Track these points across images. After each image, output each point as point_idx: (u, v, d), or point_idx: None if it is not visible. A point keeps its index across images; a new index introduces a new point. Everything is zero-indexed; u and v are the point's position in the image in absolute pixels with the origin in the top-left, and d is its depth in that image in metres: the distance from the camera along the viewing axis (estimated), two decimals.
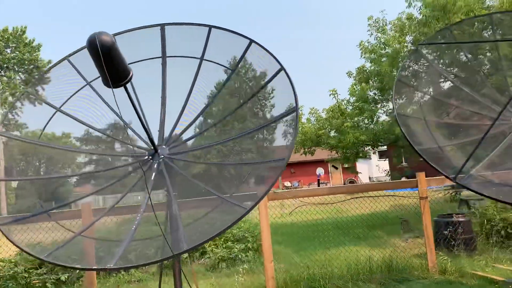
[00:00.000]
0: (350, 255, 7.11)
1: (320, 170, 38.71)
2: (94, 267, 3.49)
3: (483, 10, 9.47)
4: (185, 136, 4.69)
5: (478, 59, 7.98)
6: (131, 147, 4.48)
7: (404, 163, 32.69)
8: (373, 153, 13.14)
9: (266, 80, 4.36)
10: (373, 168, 41.70)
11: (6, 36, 38.62)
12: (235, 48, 4.73)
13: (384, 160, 36.42)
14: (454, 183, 4.74)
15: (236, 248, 7.89)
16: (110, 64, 3.13)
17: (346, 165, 38.97)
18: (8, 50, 39.84)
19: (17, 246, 3.28)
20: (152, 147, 4.07)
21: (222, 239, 8.11)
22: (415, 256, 7.01)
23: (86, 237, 3.60)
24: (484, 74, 7.03)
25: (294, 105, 3.94)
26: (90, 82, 4.65)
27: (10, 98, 37.76)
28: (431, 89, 6.16)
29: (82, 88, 4.64)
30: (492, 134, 4.99)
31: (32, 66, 40.75)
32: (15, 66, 40.28)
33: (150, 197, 3.87)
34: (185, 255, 6.84)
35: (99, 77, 4.86)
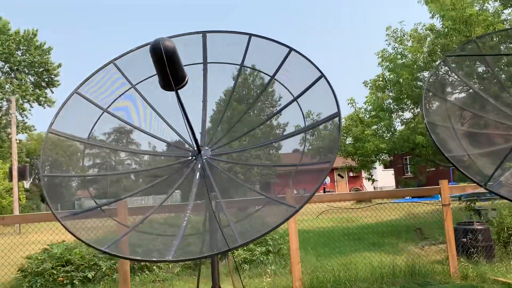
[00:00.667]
0: (373, 260, 7.27)
1: (326, 179, 38.82)
2: (154, 259, 3.66)
3: (501, 24, 9.70)
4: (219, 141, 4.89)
5: (495, 71, 8.19)
6: (177, 147, 4.69)
7: (409, 174, 32.92)
8: (390, 161, 13.28)
9: (307, 86, 4.53)
10: (379, 177, 41.85)
11: (18, 39, 39.07)
12: (274, 56, 4.93)
13: (389, 170, 36.59)
14: (485, 190, 4.91)
15: (258, 250, 8.05)
16: (173, 68, 3.34)
17: (352, 174, 39.28)
18: (19, 53, 40.33)
19: (76, 237, 3.45)
20: (196, 148, 4.28)
21: None
22: (437, 262, 7.16)
23: (139, 231, 3.78)
24: (502, 85, 7.22)
25: (336, 111, 4.14)
26: (135, 85, 4.86)
27: (20, 100, 38.17)
28: (457, 97, 6.35)
29: (127, 90, 4.84)
30: None
31: (42, 68, 41.21)
32: (25, 69, 40.74)
33: (195, 195, 4.08)
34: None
35: (143, 80, 5.12)
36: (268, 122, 5.76)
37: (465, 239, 7.33)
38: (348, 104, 12.59)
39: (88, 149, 4.80)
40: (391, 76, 11.58)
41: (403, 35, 11.88)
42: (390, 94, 11.68)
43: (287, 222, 6.31)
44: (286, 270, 7.11)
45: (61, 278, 7.23)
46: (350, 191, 41.72)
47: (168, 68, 3.31)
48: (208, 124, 4.96)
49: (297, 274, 5.93)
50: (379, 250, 9.00)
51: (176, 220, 4.64)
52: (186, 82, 3.78)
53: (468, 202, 9.95)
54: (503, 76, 7.81)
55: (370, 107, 12.06)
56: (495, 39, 9.14)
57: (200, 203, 4.19)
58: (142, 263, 7.52)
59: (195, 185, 4.09)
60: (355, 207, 12.93)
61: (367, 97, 12.07)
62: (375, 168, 38.48)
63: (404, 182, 30.53)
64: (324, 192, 38.43)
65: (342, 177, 41.63)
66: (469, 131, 5.78)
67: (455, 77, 6.10)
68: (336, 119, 4.17)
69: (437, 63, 10.52)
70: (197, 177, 4.15)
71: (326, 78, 4.39)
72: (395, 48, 11.90)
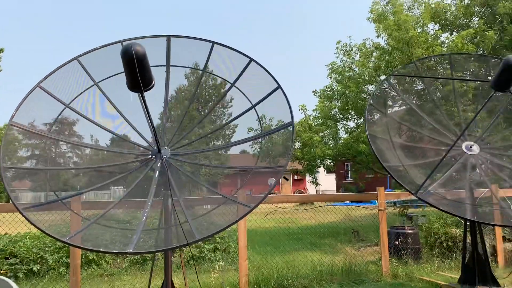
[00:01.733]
0: (314, 259, 7.78)
1: (272, 181, 39.52)
2: (115, 251, 3.83)
3: (439, 46, 10.64)
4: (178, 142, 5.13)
5: (431, 90, 8.99)
6: (136, 146, 4.87)
7: (350, 179, 34.55)
8: (324, 168, 14.08)
9: (265, 95, 4.88)
10: (321, 181, 43.33)
11: None
12: (235, 64, 5.25)
13: (331, 175, 38.07)
14: (406, 199, 5.53)
15: (206, 248, 8.32)
16: (142, 72, 3.57)
17: (296, 177, 40.40)
18: None
19: (39, 229, 3.56)
20: (157, 148, 4.51)
21: None
22: (370, 262, 7.78)
23: (100, 224, 3.94)
24: (436, 104, 7.98)
25: (290, 120, 4.55)
26: (98, 82, 4.98)
27: None
28: (396, 113, 6.99)
29: (90, 87, 4.96)
30: (447, 157, 5.83)
31: None
32: None
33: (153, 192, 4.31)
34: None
35: (106, 78, 5.25)
36: (219, 122, 6.07)
37: (397, 242, 8.03)
38: (299, 110, 13.18)
39: (28, 139, 4.84)
40: (339, 87, 12.29)
41: (352, 50, 12.66)
42: (337, 104, 12.38)
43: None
44: (233, 267, 7.43)
45: (4, 271, 7.10)
46: (294, 193, 42.84)
47: (138, 72, 3.51)
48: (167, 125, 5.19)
49: (243, 270, 6.27)
50: (319, 250, 9.57)
51: (133, 215, 4.81)
52: (153, 85, 3.99)
53: (402, 208, 10.80)
54: (438, 94, 8.60)
55: (319, 114, 12.70)
56: (433, 60, 10.02)
57: (157, 200, 4.42)
58: (90, 257, 7.54)
59: (154, 182, 4.31)
60: (299, 208, 13.60)
61: (316, 105, 12.72)
62: (318, 172, 40.00)
63: (345, 187, 31.92)
64: (269, 193, 39.16)
65: (287, 179, 42.67)
66: (405, 144, 6.41)
67: (396, 93, 6.72)
68: (290, 127, 4.58)
69: (381, 78, 11.33)
70: (156, 175, 4.37)
71: (282, 90, 4.78)
72: (344, 61, 12.65)
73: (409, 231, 8.07)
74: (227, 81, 5.39)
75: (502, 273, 6.67)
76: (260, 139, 4.92)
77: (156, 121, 5.05)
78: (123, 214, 5.02)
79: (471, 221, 5.75)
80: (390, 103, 6.85)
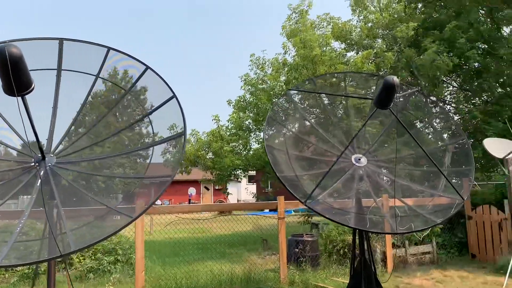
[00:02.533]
0: (214, 268, 7.82)
1: (192, 190, 39.27)
2: None
3: (341, 65, 11.35)
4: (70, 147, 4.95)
5: (335, 104, 9.52)
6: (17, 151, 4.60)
7: (270, 188, 35.39)
8: (244, 176, 14.31)
9: (157, 105, 4.88)
10: (242, 190, 43.88)
11: None
12: (132, 71, 5.21)
13: (253, 184, 38.66)
14: (306, 207, 5.79)
15: (106, 259, 8.01)
16: (17, 75, 3.42)
17: (217, 187, 40.48)
18: None
19: None
20: (40, 155, 4.31)
21: (91, 251, 8.15)
22: (271, 270, 8.00)
23: None
24: (337, 118, 8.47)
25: (182, 129, 4.59)
26: None
27: None
28: (296, 126, 7.30)
29: None
30: (338, 169, 6.21)
31: None
32: None
33: (34, 202, 4.11)
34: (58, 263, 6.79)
35: None
36: (138, 129, 5.93)
37: (297, 249, 8.34)
38: (213, 120, 13.28)
39: None
40: (251, 99, 12.60)
41: (265, 63, 13.07)
42: (250, 115, 12.66)
43: (135, 231, 6.50)
44: (133, 279, 7.23)
45: None
46: (214, 202, 42.78)
47: (12, 75, 3.35)
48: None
49: (140, 282, 6.14)
50: (225, 260, 9.65)
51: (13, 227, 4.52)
52: (32, 89, 3.82)
53: (305, 217, 11.25)
54: (341, 110, 9.08)
55: (232, 125, 12.89)
56: (336, 77, 10.62)
57: (40, 210, 4.20)
58: None
59: (35, 192, 4.10)
60: (211, 218, 13.63)
61: (230, 115, 12.91)
62: (240, 182, 40.35)
63: (261, 197, 32.52)
64: (189, 203, 38.80)
65: (208, 189, 42.50)
66: (301, 155, 6.72)
67: (295, 107, 7.04)
68: (183, 137, 4.61)
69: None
70: (38, 184, 4.16)
71: (177, 99, 4.82)
72: (257, 74, 13.01)
73: (308, 239, 8.43)
74: (122, 89, 5.32)
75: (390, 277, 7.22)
76: (164, 145, 4.87)
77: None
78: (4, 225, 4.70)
79: (358, 229, 6.15)
80: (289, 116, 7.16)
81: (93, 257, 8.12)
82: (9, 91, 3.52)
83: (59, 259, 3.83)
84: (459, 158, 7.37)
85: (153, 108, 4.95)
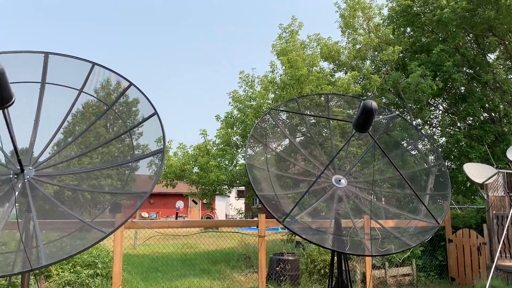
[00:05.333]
0: (193, 285, 7.80)
1: (179, 204, 39.06)
2: None
3: (328, 86, 11.55)
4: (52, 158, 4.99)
5: (319, 124, 9.64)
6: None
7: (258, 205, 35.29)
8: (229, 192, 14.32)
9: (140, 120, 4.95)
10: (229, 206, 43.75)
11: None
12: (114, 86, 5.30)
13: (238, 200, 38.61)
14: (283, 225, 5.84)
15: (85, 273, 7.95)
16: None
17: (205, 201, 40.37)
18: None
19: None
20: (19, 167, 4.34)
21: (71, 264, 8.09)
22: None
23: None
24: (322, 138, 8.57)
25: (162, 146, 4.66)
26: None
27: None
28: (279, 145, 7.39)
29: None
30: (318, 189, 6.30)
31: None
32: None
33: (13, 212, 4.14)
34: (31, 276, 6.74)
35: None
36: (128, 141, 5.96)
37: (277, 268, 8.36)
38: (200, 134, 13.36)
39: None
40: (239, 115, 12.72)
41: (253, 80, 13.24)
42: (238, 131, 12.76)
43: (113, 245, 6.49)
44: None
45: None
46: (202, 217, 42.56)
47: None
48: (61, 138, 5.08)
49: None
50: (207, 276, 9.61)
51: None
52: (12, 102, 3.88)
53: (290, 235, 11.27)
54: (325, 130, 9.19)
55: (219, 140, 12.98)
56: (322, 98, 10.76)
57: (14, 222, 4.22)
58: None
59: (11, 204, 4.13)
60: (199, 233, 13.60)
61: (218, 130, 13.00)
62: (229, 196, 40.24)
63: (249, 212, 32.45)
64: (177, 217, 38.55)
65: (196, 203, 42.31)
66: (281, 175, 6.80)
67: (280, 126, 7.14)
68: (161, 154, 4.67)
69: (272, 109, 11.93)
70: (15, 196, 4.19)
71: (158, 116, 4.91)
72: (246, 91, 13.16)
73: (289, 258, 8.46)
74: (105, 104, 5.39)
75: None
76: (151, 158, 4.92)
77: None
78: None
79: (333, 250, 6.21)
80: (271, 135, 7.25)
81: (72, 270, 8.05)
82: None
83: (35, 272, 3.83)
84: (444, 180, 7.50)
85: (134, 124, 5.02)
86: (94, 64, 5.22)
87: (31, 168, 4.58)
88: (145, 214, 37.25)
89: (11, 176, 4.43)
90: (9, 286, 4.36)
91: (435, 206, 6.84)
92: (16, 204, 4.26)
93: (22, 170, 4.37)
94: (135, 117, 5.73)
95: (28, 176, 4.43)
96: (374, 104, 5.26)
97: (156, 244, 11.71)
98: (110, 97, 5.47)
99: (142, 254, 12.47)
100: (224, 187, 13.13)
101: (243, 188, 23.09)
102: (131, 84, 5.19)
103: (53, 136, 5.07)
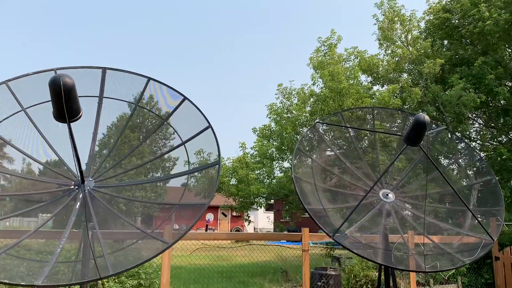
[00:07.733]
0: None
1: (210, 216, 39.27)
2: (22, 283, 3.69)
3: (368, 98, 11.47)
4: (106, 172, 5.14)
5: (359, 137, 9.57)
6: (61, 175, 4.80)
7: (287, 218, 35.07)
8: (264, 205, 14.41)
9: (196, 133, 5.04)
10: (259, 219, 43.67)
11: None
12: (170, 100, 5.43)
13: (271, 212, 38.42)
14: (332, 240, 5.80)
15: (129, 283, 8.08)
16: (69, 103, 3.63)
17: (235, 214, 40.40)
18: None
19: None
20: (80, 178, 4.48)
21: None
22: None
23: (11, 255, 3.80)
24: (362, 151, 8.50)
25: (216, 158, 4.72)
26: (26, 108, 4.93)
27: None
28: (322, 157, 7.38)
29: (16, 113, 4.89)
30: (365, 203, 6.23)
31: None
32: None
33: (73, 223, 4.27)
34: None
35: (35, 105, 5.21)
36: (160, 153, 6.11)
37: (320, 283, 8.26)
38: (239, 147, 13.48)
39: None
40: (276, 127, 12.78)
41: (291, 93, 13.30)
42: (274, 143, 12.81)
43: (161, 256, 6.59)
44: None
45: None
46: (231, 230, 42.55)
47: (64, 103, 3.56)
48: (96, 150, 5.20)
49: None
50: None
51: (48, 247, 4.67)
52: (80, 116, 4.03)
53: (328, 250, 11.15)
54: (366, 142, 9.14)
55: (256, 152, 13.06)
56: (362, 111, 10.71)
57: (76, 231, 4.36)
58: None
59: (74, 214, 4.27)
60: (233, 246, 13.64)
61: (254, 143, 13.10)
62: (257, 210, 40.25)
63: (280, 226, 32.23)
64: (206, 229, 38.73)
65: (225, 215, 42.44)
66: (328, 188, 6.76)
67: (323, 140, 7.14)
68: (217, 166, 4.74)
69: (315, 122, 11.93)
70: (77, 206, 4.32)
71: (212, 129, 4.99)
72: (283, 103, 13.23)
73: (332, 273, 8.35)
74: (161, 118, 5.53)
75: None
76: (186, 175, 5.01)
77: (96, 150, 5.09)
78: (42, 244, 4.86)
79: (384, 266, 6.10)
80: (316, 148, 7.25)
81: (116, 280, 8.21)
82: (61, 118, 3.72)
83: (92, 282, 3.93)
84: (485, 196, 7.28)
85: (190, 137, 5.10)
86: (149, 78, 5.36)
87: (91, 179, 4.71)
88: (175, 226, 37.61)
89: (73, 187, 4.58)
90: None
91: (482, 221, 6.66)
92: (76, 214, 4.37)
93: (83, 181, 4.50)
94: (167, 130, 5.78)
95: (88, 187, 4.56)
96: (427, 117, 5.20)
97: (193, 255, 11.77)
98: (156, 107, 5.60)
99: (179, 265, 12.55)
100: (262, 199, 13.16)
101: (271, 201, 23.02)
102: (185, 98, 5.29)
103: (112, 148, 5.24)
